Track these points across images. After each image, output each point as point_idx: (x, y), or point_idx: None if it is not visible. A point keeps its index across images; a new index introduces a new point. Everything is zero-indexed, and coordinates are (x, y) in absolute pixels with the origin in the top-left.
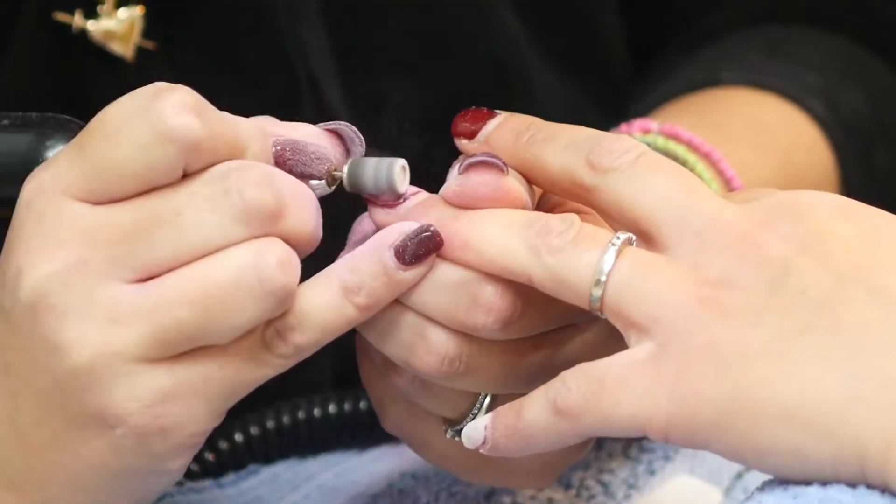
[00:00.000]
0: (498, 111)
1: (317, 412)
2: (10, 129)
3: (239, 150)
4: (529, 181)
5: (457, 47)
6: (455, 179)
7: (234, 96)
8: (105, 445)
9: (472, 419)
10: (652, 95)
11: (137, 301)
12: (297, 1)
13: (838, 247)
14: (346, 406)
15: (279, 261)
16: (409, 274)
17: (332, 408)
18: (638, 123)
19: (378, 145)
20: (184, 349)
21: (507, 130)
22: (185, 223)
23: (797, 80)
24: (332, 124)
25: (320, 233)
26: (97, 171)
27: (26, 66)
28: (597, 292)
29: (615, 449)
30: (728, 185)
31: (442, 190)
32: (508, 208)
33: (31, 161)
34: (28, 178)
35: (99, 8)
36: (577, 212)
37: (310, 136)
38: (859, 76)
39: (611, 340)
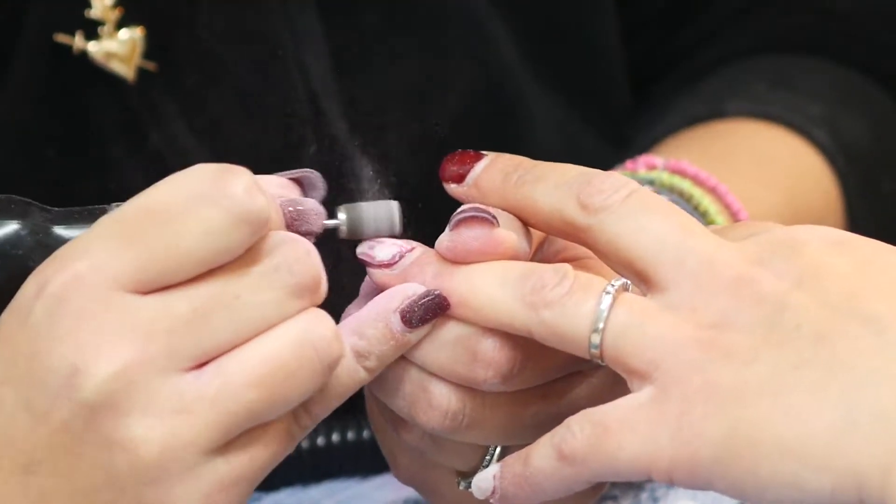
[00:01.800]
0: (485, 152)
1: (320, 440)
2: None
3: (270, 220)
4: (523, 222)
5: (455, 73)
6: (446, 235)
7: (235, 117)
8: None
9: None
10: (655, 128)
11: (200, 389)
12: (300, 23)
13: (833, 280)
14: (349, 434)
15: (333, 332)
16: (416, 335)
17: (335, 436)
18: (643, 159)
19: (377, 168)
20: (242, 432)
21: (495, 172)
22: (244, 305)
23: (800, 109)
24: (296, 172)
25: None
26: (156, 260)
27: (27, 89)
28: (595, 341)
29: None
30: (735, 219)
31: (437, 244)
32: (502, 260)
33: None
34: (49, 270)
35: (100, 29)
36: (581, 257)
37: (278, 185)
38: (861, 104)
39: (617, 385)
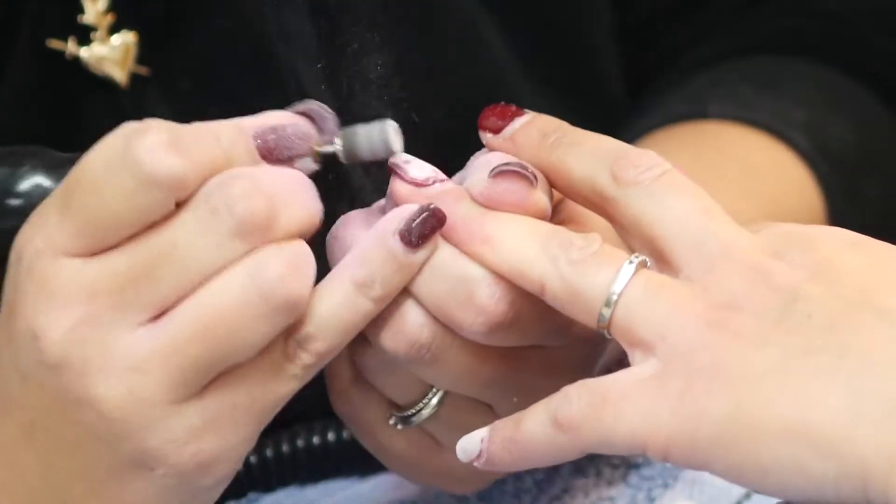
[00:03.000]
0: (527, 110)
1: (316, 440)
2: None
3: (223, 160)
4: (550, 184)
5: (446, 73)
6: (483, 182)
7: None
8: (148, 486)
9: (419, 411)
10: (641, 122)
11: (151, 344)
12: (291, 27)
13: (847, 275)
14: (346, 434)
15: (278, 274)
16: (418, 256)
17: (331, 435)
18: None
19: (369, 171)
20: (207, 380)
21: (533, 129)
22: (181, 254)
23: (785, 115)
24: (302, 105)
25: (321, 206)
26: (88, 225)
27: (20, 95)
28: (607, 311)
29: (615, 476)
30: None
31: (467, 184)
32: (533, 217)
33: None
34: (23, 238)
35: (92, 34)
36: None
37: (283, 119)
38: (847, 107)
39: (579, 369)
